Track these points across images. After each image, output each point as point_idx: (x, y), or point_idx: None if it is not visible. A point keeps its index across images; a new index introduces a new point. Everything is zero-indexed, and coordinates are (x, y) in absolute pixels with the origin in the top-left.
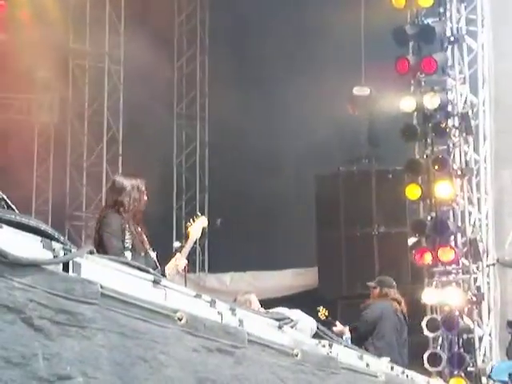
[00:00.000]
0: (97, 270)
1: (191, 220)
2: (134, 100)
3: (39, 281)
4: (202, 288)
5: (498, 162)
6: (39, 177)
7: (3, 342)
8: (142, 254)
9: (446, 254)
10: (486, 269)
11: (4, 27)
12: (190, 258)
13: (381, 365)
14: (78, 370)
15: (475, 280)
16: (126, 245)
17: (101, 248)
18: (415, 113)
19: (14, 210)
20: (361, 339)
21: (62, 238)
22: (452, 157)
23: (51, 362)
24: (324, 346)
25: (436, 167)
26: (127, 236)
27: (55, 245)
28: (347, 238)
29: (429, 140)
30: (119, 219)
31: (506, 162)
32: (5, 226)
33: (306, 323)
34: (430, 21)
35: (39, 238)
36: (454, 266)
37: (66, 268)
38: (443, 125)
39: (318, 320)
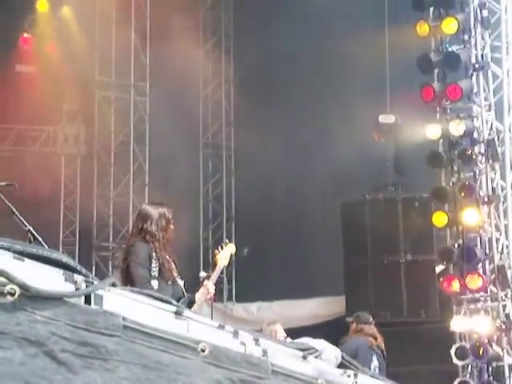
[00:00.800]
0: (119, 301)
1: (219, 247)
2: (160, 130)
3: (61, 313)
4: (229, 317)
5: None
6: (66, 208)
7: (26, 376)
8: (170, 282)
9: (474, 282)
10: None
11: (31, 60)
12: (218, 286)
13: None
14: None
15: (504, 307)
16: (153, 273)
17: (128, 277)
18: (441, 140)
19: (40, 241)
20: None
21: (84, 271)
22: (478, 184)
23: None
24: (349, 375)
25: (462, 194)
26: (154, 264)
27: (77, 277)
28: (374, 266)
29: (455, 167)
30: (147, 248)
31: None
32: (27, 260)
33: (330, 353)
34: (454, 48)
35: (61, 271)
36: (482, 293)
37: (87, 300)
38: (469, 152)
39: None
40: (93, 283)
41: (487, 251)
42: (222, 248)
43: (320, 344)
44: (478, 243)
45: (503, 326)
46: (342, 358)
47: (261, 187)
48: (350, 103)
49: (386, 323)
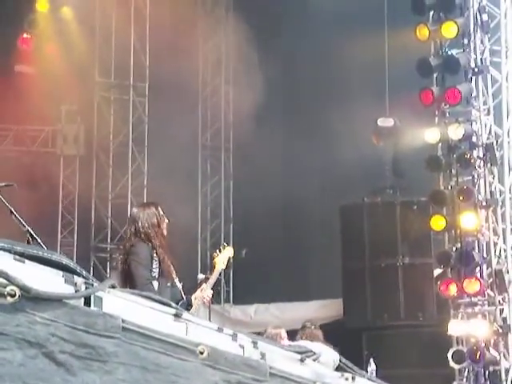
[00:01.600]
0: (118, 303)
1: (217, 251)
2: (159, 131)
3: (61, 315)
4: (227, 319)
5: None
6: (65, 208)
7: (25, 377)
8: (169, 284)
9: (471, 286)
10: None
11: (30, 60)
12: (215, 289)
13: None
14: None
15: (501, 311)
16: (154, 274)
17: (129, 277)
18: (440, 144)
19: (38, 242)
20: None
21: (84, 273)
22: (477, 188)
23: None
24: (347, 378)
25: (461, 198)
26: (154, 265)
27: (77, 279)
28: (372, 269)
29: (453, 171)
30: (147, 248)
31: None
32: (27, 261)
33: (328, 356)
34: (453, 52)
35: (61, 273)
36: (479, 297)
37: (87, 302)
38: (468, 156)
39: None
40: (92, 285)
41: (485, 255)
42: (220, 251)
43: (318, 347)
44: (476, 247)
45: (500, 330)
46: (340, 361)
47: (259, 189)
48: (349, 106)
49: (384, 326)
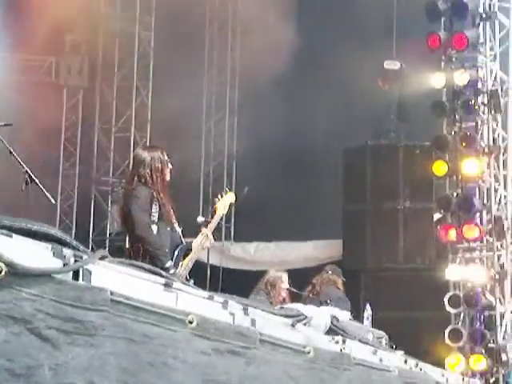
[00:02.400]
0: (108, 275)
1: (219, 195)
2: (164, 65)
3: (48, 290)
4: (227, 256)
5: None
6: (67, 140)
7: (9, 354)
8: (168, 228)
9: (470, 231)
10: (510, 246)
11: None
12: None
13: (394, 359)
14: (85, 378)
15: (499, 257)
16: (153, 218)
17: (128, 221)
18: (445, 89)
19: (36, 182)
20: None
21: (74, 243)
22: (480, 134)
23: (57, 371)
24: (337, 342)
25: (463, 144)
26: (154, 209)
27: (66, 252)
28: (373, 212)
29: (457, 117)
30: (147, 192)
31: None
32: (15, 235)
33: (320, 319)
34: None
35: (50, 246)
36: (478, 243)
37: (76, 275)
38: (472, 102)
39: None
40: (82, 257)
41: (485, 201)
42: (221, 196)
43: (310, 310)
44: (477, 193)
45: (497, 276)
46: (332, 323)
47: (264, 128)
48: (356, 48)
49: (381, 268)
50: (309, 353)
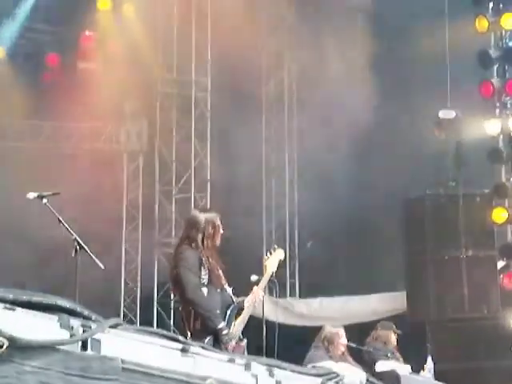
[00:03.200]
0: (119, 343)
1: (268, 253)
2: (221, 126)
3: (54, 362)
4: (291, 313)
5: None
6: (129, 205)
7: None
8: (219, 290)
9: None
10: None
11: (93, 57)
12: (281, 282)
13: None
14: None
15: None
16: (203, 281)
17: (178, 284)
18: (501, 136)
19: (85, 249)
20: None
21: (85, 313)
22: None
23: None
24: None
25: None
26: (203, 272)
27: (73, 322)
28: (435, 262)
29: None
30: (196, 254)
31: None
32: (19, 309)
33: (353, 377)
34: None
35: (56, 317)
36: None
37: (84, 346)
38: None
39: None
40: (90, 327)
41: None
42: (270, 253)
43: (343, 368)
44: None
45: None
46: (367, 380)
47: (324, 183)
48: (411, 99)
49: (448, 319)
50: None
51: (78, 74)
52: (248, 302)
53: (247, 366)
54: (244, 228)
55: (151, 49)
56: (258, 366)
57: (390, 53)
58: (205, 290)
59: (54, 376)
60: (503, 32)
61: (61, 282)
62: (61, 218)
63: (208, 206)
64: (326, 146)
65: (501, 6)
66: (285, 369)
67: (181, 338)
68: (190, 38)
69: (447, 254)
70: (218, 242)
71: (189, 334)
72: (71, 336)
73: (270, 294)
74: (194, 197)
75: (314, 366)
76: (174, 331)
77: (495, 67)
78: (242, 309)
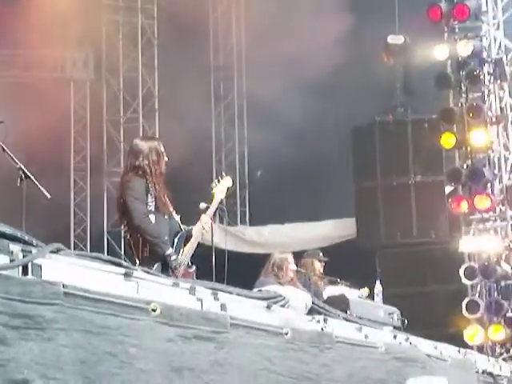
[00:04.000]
0: (61, 268)
1: (216, 181)
2: (168, 54)
3: None
4: (242, 241)
5: None
6: (76, 133)
7: None
8: (166, 217)
9: (482, 202)
10: None
11: None
12: (232, 210)
13: (382, 335)
14: (37, 372)
15: None
16: (149, 208)
17: (125, 212)
18: (449, 61)
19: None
20: None
21: (25, 238)
22: (487, 104)
23: (6, 367)
24: (318, 321)
25: (471, 115)
26: (150, 199)
27: (13, 247)
28: (384, 188)
29: (463, 88)
30: (142, 183)
31: None
32: None
33: (299, 300)
34: None
35: None
36: (490, 213)
37: (25, 271)
38: (477, 72)
39: None
40: (31, 252)
41: (496, 171)
42: (218, 181)
43: (289, 291)
44: (487, 164)
45: (511, 245)
46: (313, 303)
47: (273, 109)
48: (358, 24)
49: (396, 244)
50: (286, 334)
51: (20, 0)
52: (196, 229)
53: (191, 290)
54: (193, 156)
55: None
56: (203, 290)
57: None
58: (152, 217)
59: None
60: None
61: (6, 212)
62: (4, 147)
63: (157, 135)
64: (275, 76)
65: None
66: (230, 292)
67: (123, 262)
68: None
69: (396, 180)
70: (163, 168)
71: (137, 261)
72: (11, 261)
73: (221, 222)
74: (143, 126)
75: (259, 290)
76: (124, 260)
77: None
78: (191, 236)
